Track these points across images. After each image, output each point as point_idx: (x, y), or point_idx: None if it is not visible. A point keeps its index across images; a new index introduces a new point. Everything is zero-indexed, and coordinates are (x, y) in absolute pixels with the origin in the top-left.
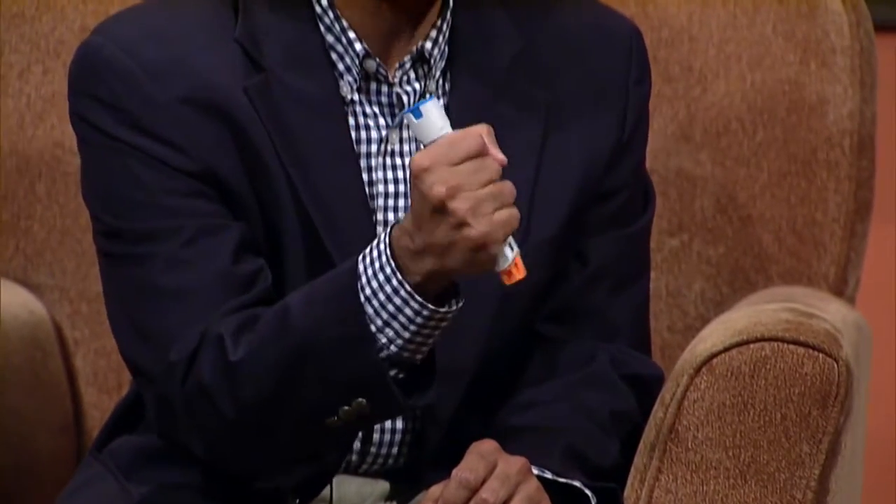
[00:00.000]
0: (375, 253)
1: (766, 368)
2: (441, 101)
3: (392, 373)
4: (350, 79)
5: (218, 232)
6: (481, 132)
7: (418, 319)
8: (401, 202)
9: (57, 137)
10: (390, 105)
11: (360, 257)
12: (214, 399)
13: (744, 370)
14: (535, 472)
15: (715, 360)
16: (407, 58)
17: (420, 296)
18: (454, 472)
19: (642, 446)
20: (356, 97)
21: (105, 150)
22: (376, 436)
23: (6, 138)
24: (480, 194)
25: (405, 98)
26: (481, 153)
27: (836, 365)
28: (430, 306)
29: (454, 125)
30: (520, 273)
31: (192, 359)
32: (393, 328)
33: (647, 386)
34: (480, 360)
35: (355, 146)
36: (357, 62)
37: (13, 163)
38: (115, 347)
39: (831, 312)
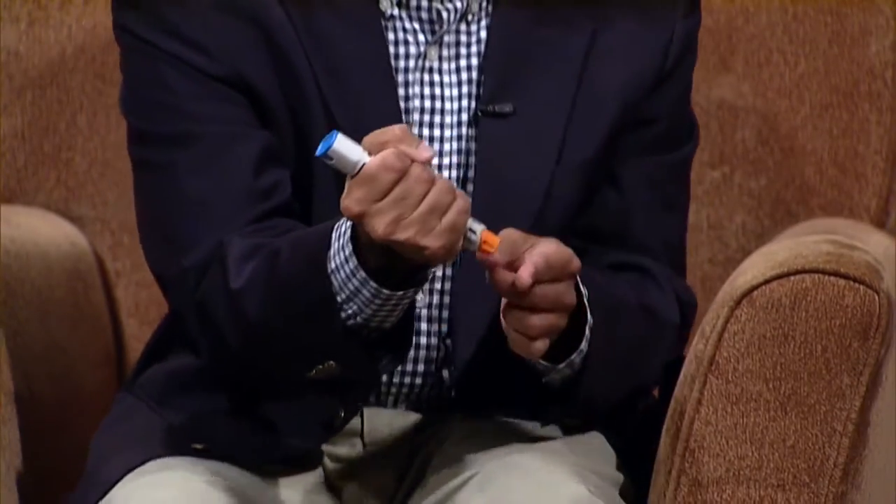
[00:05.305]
0: (343, 227)
1: (806, 300)
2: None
3: (361, 339)
4: None
5: (241, 140)
6: (396, 143)
7: (376, 301)
8: (436, 118)
9: (98, 69)
10: (430, 21)
11: (335, 225)
12: (216, 319)
13: (784, 302)
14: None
15: (755, 293)
16: None
17: (380, 279)
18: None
19: (682, 378)
20: (396, 12)
21: (138, 54)
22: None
23: (48, 70)
24: (418, 216)
25: (445, 15)
26: (403, 173)
27: (876, 297)
28: (385, 291)
29: (493, 48)
30: (492, 245)
31: (204, 268)
32: (356, 303)
33: (683, 307)
34: None
35: (393, 61)
36: None
37: (54, 94)
38: None
39: (872, 244)
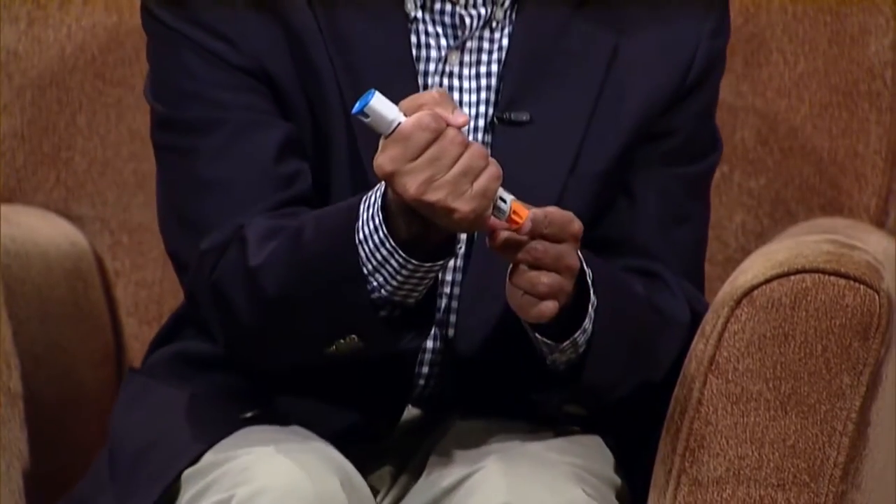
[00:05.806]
0: (373, 198)
1: (806, 300)
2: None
3: (385, 313)
4: None
5: (263, 128)
6: (433, 105)
7: (403, 272)
8: None
9: (98, 69)
10: (453, 26)
11: (364, 197)
12: (230, 298)
13: (784, 302)
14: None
15: (756, 292)
16: None
17: (408, 249)
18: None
19: (682, 377)
20: (419, 15)
21: (163, 41)
22: None
23: (47, 70)
24: (451, 177)
25: (468, 21)
26: (438, 134)
27: (876, 296)
28: (414, 262)
29: (514, 56)
30: (521, 216)
31: (222, 250)
32: (382, 274)
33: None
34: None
35: (414, 64)
36: None
37: (54, 94)
38: (156, 279)
39: (872, 244)
